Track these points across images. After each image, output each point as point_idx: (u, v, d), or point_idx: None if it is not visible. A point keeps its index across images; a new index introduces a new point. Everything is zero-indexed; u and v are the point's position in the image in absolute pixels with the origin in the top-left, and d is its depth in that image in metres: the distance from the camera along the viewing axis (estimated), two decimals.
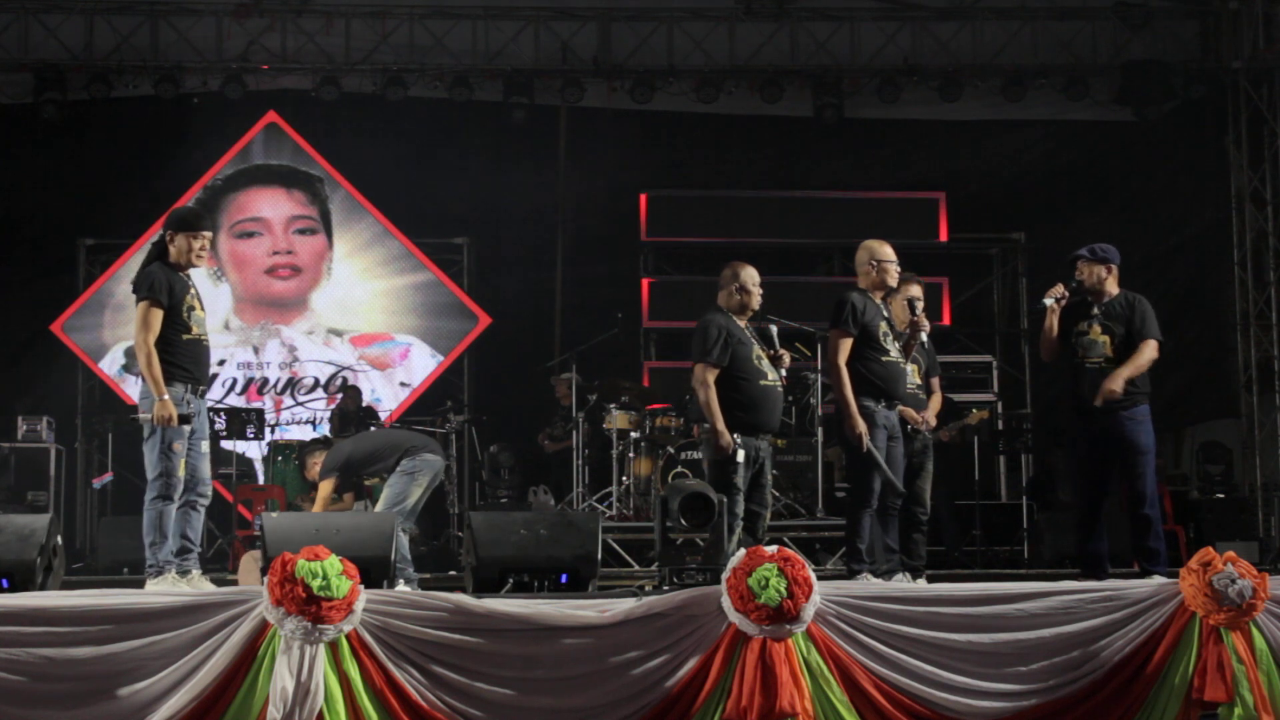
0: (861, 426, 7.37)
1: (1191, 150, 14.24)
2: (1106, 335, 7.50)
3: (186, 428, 6.83)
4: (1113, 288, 7.59)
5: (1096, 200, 14.14)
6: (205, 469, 7.07)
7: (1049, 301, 7.57)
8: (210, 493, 7.13)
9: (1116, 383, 7.32)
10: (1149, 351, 7.44)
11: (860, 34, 13.97)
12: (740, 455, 7.36)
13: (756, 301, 7.69)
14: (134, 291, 6.95)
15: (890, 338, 7.63)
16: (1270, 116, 13.61)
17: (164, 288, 6.86)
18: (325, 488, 8.59)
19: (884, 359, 7.54)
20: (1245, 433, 13.63)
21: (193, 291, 7.03)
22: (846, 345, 7.49)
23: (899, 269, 7.75)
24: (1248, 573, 6.08)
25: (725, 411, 7.45)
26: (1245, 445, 13.58)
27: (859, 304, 7.55)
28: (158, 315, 6.84)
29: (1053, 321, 7.59)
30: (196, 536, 7.04)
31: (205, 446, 7.08)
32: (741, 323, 7.66)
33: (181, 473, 6.84)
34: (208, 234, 7.06)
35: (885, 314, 7.70)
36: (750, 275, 7.67)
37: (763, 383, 7.58)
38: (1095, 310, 7.56)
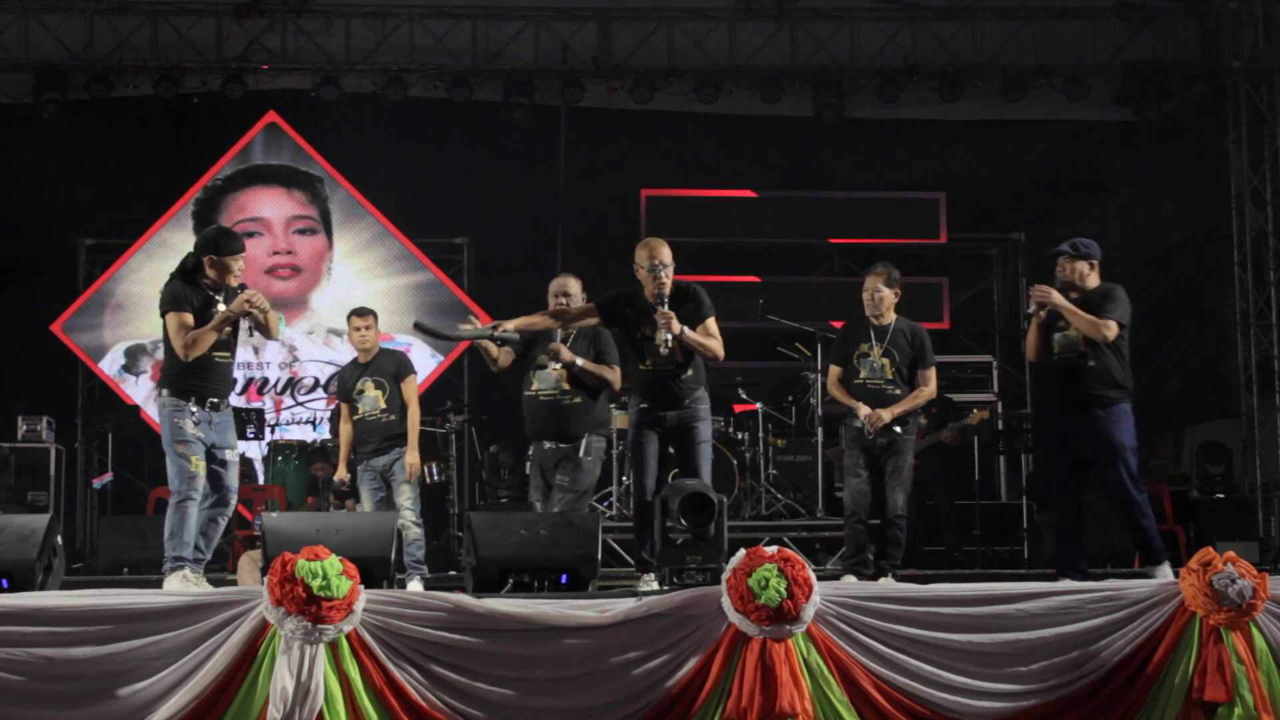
0: None
1: (1191, 150, 14.25)
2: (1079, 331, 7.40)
3: (190, 430, 7.01)
4: (1093, 282, 7.50)
5: (1096, 200, 14.15)
6: (228, 478, 7.19)
7: (1033, 308, 7.48)
8: (233, 501, 7.25)
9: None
10: (1102, 331, 7.30)
11: (860, 34, 13.96)
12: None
13: None
14: (160, 311, 7.16)
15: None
16: (1270, 116, 13.61)
17: (185, 298, 7.08)
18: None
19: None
20: (1245, 433, 13.62)
21: (217, 309, 7.12)
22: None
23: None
24: (1248, 573, 6.07)
25: None
26: (1245, 445, 13.57)
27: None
28: (188, 318, 7.04)
29: (1035, 323, 7.51)
30: (207, 545, 7.17)
31: (228, 455, 7.20)
32: None
33: (193, 469, 7.00)
34: (242, 254, 7.21)
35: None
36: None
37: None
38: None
